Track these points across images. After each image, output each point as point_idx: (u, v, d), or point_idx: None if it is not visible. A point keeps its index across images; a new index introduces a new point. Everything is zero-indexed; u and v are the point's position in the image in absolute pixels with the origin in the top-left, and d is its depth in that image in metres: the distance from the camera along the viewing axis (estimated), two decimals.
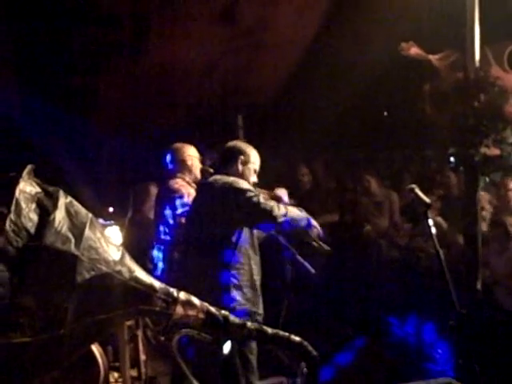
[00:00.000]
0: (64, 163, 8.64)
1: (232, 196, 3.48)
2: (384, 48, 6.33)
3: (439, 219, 6.26)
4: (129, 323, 4.18)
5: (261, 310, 3.59)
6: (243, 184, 3.56)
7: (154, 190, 5.85)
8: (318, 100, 9.19)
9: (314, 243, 4.05)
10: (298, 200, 7.40)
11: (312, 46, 8.79)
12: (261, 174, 9.32)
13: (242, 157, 3.81)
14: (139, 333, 4.28)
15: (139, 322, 4.23)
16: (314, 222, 3.78)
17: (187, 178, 4.67)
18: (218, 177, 3.70)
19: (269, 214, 3.39)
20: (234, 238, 3.54)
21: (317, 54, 8.77)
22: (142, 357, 4.35)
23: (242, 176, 3.74)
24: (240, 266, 3.54)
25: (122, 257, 1.81)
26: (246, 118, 9.61)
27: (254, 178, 3.88)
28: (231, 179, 3.59)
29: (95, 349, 4.22)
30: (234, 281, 3.50)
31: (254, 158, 3.88)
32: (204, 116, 9.02)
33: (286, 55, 8.92)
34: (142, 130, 9.09)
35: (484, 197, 6.02)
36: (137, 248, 4.72)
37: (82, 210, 1.79)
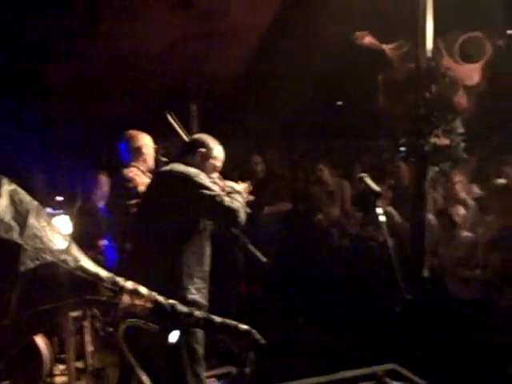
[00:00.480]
0: (14, 151, 8.44)
1: (192, 189, 3.40)
2: (339, 37, 6.35)
3: (390, 209, 6.36)
4: (76, 314, 4.10)
5: (206, 302, 3.56)
6: (204, 179, 3.48)
7: (103, 179, 5.74)
8: (273, 89, 9.20)
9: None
10: (252, 188, 7.44)
11: (268, 34, 8.77)
12: None
13: (204, 150, 3.72)
14: (86, 323, 4.20)
15: (86, 313, 4.15)
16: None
17: (142, 167, 4.59)
18: (175, 165, 3.59)
19: (233, 216, 3.38)
20: (187, 228, 3.48)
21: (273, 43, 8.76)
22: (89, 348, 4.27)
23: (201, 169, 3.63)
24: (192, 255, 3.50)
25: (68, 246, 1.77)
26: (201, 106, 9.53)
27: (214, 175, 3.81)
28: (192, 171, 3.50)
29: (40, 340, 4.12)
30: (186, 270, 3.46)
31: (217, 154, 3.80)
32: (159, 103, 8.91)
33: (243, 43, 8.87)
34: (95, 116, 8.94)
35: (433, 187, 6.13)
36: (86, 238, 4.63)
37: (27, 198, 1.74)
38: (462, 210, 5.91)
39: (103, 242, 4.88)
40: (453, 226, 5.51)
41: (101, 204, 5.55)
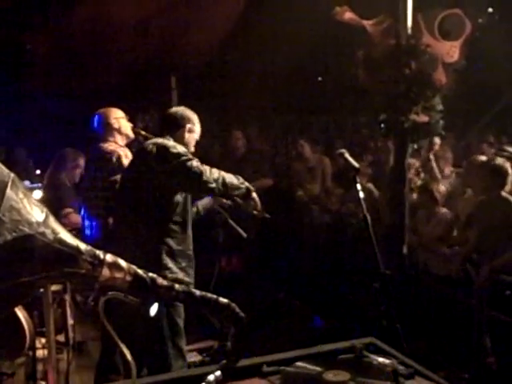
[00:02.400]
0: None
1: (168, 159, 3.41)
2: (319, 13, 6.32)
3: (370, 185, 6.39)
4: (56, 287, 4.09)
5: (191, 280, 3.57)
6: (180, 148, 3.48)
7: (71, 155, 5.62)
8: (253, 64, 9.15)
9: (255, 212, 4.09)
10: (232, 164, 7.45)
11: (248, 7, 8.70)
12: None
13: (189, 125, 3.72)
14: (67, 297, 4.20)
15: (67, 286, 4.14)
16: (253, 195, 3.76)
17: (120, 142, 4.57)
18: (159, 140, 3.58)
19: (198, 177, 3.35)
20: (170, 205, 3.46)
21: (252, 17, 8.70)
22: (70, 321, 4.28)
23: (185, 144, 3.65)
24: (175, 233, 3.50)
25: (46, 218, 1.75)
26: (180, 79, 9.46)
27: (192, 148, 3.81)
28: (170, 143, 3.50)
29: (20, 314, 4.12)
30: (168, 248, 3.46)
31: (198, 128, 3.82)
32: (138, 75, 8.83)
33: (222, 15, 8.79)
34: (73, 88, 8.83)
35: (413, 164, 6.18)
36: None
37: (4, 170, 1.72)
38: (442, 187, 5.96)
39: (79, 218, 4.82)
40: (434, 202, 5.55)
41: (67, 180, 5.44)
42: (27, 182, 5.03)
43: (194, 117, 3.79)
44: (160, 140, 3.57)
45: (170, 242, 3.46)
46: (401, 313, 2.92)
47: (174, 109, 3.85)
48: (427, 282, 5.31)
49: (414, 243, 5.57)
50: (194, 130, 3.76)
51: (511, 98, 9.41)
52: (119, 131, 4.56)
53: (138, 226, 3.43)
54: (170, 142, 3.52)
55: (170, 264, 3.44)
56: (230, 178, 3.52)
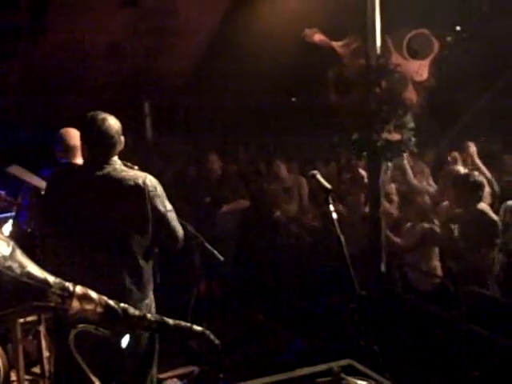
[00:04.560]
0: None
1: (155, 203, 3.29)
2: (288, 35, 6.38)
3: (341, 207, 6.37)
4: (31, 318, 4.02)
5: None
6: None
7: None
8: (226, 85, 9.19)
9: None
10: (209, 186, 7.44)
11: (218, 32, 8.76)
12: (171, 160, 9.20)
13: (122, 137, 3.39)
14: (42, 328, 4.12)
15: (41, 318, 4.07)
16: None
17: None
18: (122, 167, 3.32)
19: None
20: (145, 237, 3.32)
21: (223, 41, 8.76)
22: (46, 353, 4.20)
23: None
24: (149, 263, 3.43)
25: (13, 252, 1.73)
26: (153, 104, 9.46)
27: None
28: (155, 180, 3.34)
29: None
30: (145, 278, 3.39)
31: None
32: (109, 101, 8.81)
33: (192, 41, 8.85)
34: (45, 115, 8.78)
35: (390, 180, 6.21)
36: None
37: None
38: (426, 198, 5.97)
39: None
40: (418, 214, 5.55)
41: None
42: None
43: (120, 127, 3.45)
44: (121, 168, 3.34)
45: (146, 272, 3.41)
46: (380, 332, 2.91)
47: (107, 123, 3.31)
48: (407, 299, 5.32)
49: (395, 259, 5.59)
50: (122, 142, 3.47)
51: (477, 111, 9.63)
52: (79, 155, 4.47)
53: (111, 255, 3.30)
54: (150, 178, 3.37)
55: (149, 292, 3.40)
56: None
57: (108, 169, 3.28)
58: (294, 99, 10.67)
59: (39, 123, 8.83)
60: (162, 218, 3.32)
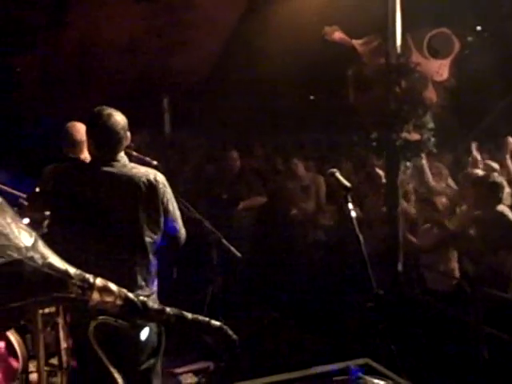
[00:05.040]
0: None
1: (165, 200, 3.30)
2: (308, 32, 6.37)
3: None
4: (49, 310, 4.06)
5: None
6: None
7: None
8: (243, 82, 9.18)
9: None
10: (226, 183, 7.45)
11: (237, 26, 8.75)
12: (187, 155, 9.22)
13: (128, 133, 3.37)
14: (60, 320, 4.16)
15: (59, 309, 4.11)
16: None
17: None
18: (131, 164, 3.34)
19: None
20: (157, 234, 3.33)
21: (242, 35, 8.75)
22: (64, 345, 4.24)
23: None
24: (156, 259, 3.45)
25: (35, 243, 1.74)
26: (171, 99, 9.48)
27: None
28: (163, 177, 3.32)
29: (13, 337, 4.09)
30: (153, 274, 3.41)
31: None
32: (129, 97, 8.86)
33: (211, 35, 8.85)
34: (64, 109, 8.83)
35: (408, 179, 6.17)
36: None
37: None
38: (444, 200, 5.93)
39: None
40: (437, 215, 5.51)
41: None
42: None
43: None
44: (133, 165, 3.36)
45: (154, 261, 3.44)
46: (397, 331, 2.90)
47: (115, 119, 3.28)
48: (423, 299, 5.29)
49: (411, 259, 5.56)
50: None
51: (498, 113, 9.52)
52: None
53: (126, 245, 3.29)
54: (159, 175, 3.36)
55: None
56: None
57: (117, 165, 3.28)
58: (312, 97, 10.65)
59: (58, 117, 8.90)
60: (169, 215, 3.34)
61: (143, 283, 3.27)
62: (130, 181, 3.25)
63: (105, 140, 3.28)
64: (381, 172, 6.18)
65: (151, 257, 3.33)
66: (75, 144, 4.29)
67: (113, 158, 3.29)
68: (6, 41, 7.93)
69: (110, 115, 3.27)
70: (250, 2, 8.38)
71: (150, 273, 3.34)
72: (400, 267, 5.18)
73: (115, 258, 3.21)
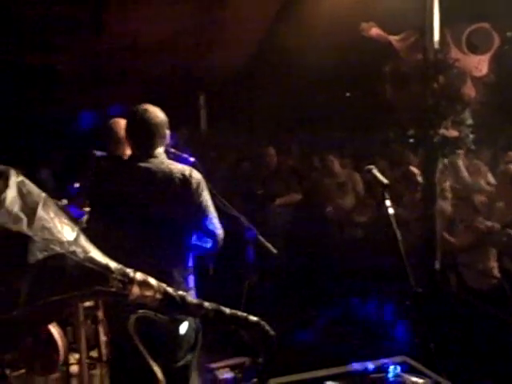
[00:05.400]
0: (27, 142, 8.50)
1: (201, 202, 3.30)
2: (345, 28, 6.34)
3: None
4: (89, 304, 4.14)
5: None
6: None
7: None
8: (279, 79, 9.19)
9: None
10: (262, 179, 7.47)
11: (273, 24, 8.76)
12: (223, 152, 9.28)
13: (168, 131, 3.42)
14: (99, 313, 4.23)
15: (99, 303, 4.18)
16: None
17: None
18: (168, 160, 3.35)
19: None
20: (197, 225, 3.36)
21: (277, 33, 8.75)
22: (103, 338, 4.31)
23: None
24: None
25: (77, 237, 1.77)
26: (207, 96, 9.53)
27: None
28: (199, 174, 3.32)
29: (54, 330, 4.18)
30: (189, 271, 3.43)
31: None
32: (165, 94, 8.94)
33: (246, 33, 8.88)
34: (104, 106, 8.97)
35: (445, 177, 6.10)
36: None
37: (35, 190, 1.74)
38: (482, 197, 5.85)
39: None
40: (475, 212, 5.44)
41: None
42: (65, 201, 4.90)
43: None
44: (173, 164, 3.35)
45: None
46: (435, 330, 2.88)
47: (154, 114, 3.33)
48: (462, 297, 5.23)
49: (449, 258, 5.49)
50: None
51: None
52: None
53: (165, 241, 3.31)
54: (198, 176, 3.35)
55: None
56: None
57: (154, 161, 3.30)
58: (348, 94, 10.58)
59: (97, 115, 9.04)
60: (205, 213, 3.33)
61: (181, 279, 3.31)
62: (166, 177, 3.27)
63: (142, 136, 3.32)
64: (416, 170, 6.12)
65: (187, 254, 3.37)
66: (120, 141, 4.32)
67: (150, 155, 3.32)
68: (48, 39, 8.09)
69: (147, 111, 3.31)
70: (284, 1, 8.38)
71: (187, 269, 3.38)
72: (437, 265, 5.12)
73: (152, 254, 3.22)
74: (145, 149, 3.33)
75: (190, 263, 3.42)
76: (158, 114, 3.35)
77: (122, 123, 4.35)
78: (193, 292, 3.40)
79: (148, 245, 3.26)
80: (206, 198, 3.35)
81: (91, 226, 3.50)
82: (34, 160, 8.22)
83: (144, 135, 3.32)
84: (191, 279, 3.43)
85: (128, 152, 4.33)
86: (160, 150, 3.38)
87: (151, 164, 3.30)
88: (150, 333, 2.24)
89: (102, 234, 3.29)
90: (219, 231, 3.42)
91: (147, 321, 1.95)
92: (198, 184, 3.31)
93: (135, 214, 3.28)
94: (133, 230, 3.26)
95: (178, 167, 3.34)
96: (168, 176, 3.28)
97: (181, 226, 3.31)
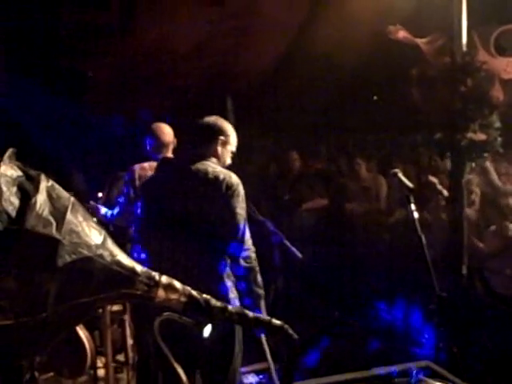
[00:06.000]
0: (54, 147, 8.62)
1: (230, 203, 3.27)
2: (372, 31, 6.33)
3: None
4: (117, 308, 4.19)
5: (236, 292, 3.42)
6: (242, 193, 3.34)
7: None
8: (306, 83, 9.18)
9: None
10: (288, 184, 7.48)
11: (300, 30, 8.78)
12: (251, 156, 9.33)
13: (223, 137, 3.48)
14: (126, 317, 4.28)
15: (126, 307, 4.23)
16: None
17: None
18: (207, 163, 3.37)
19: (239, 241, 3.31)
20: (237, 228, 3.32)
21: (305, 38, 8.76)
22: (130, 341, 4.36)
23: (220, 159, 3.49)
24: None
25: (104, 240, 1.81)
26: (234, 99, 9.56)
27: (229, 161, 3.63)
28: (234, 180, 3.32)
29: (82, 333, 4.24)
30: (228, 270, 3.37)
31: (233, 140, 3.59)
32: (192, 98, 9.01)
33: (274, 39, 8.91)
34: (131, 112, 9.08)
35: (473, 181, 6.04)
36: None
37: (64, 194, 1.79)
38: (510, 201, 5.78)
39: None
40: (502, 217, 5.38)
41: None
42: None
43: (229, 128, 3.56)
44: (211, 164, 3.38)
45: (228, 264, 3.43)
46: (461, 335, 2.86)
47: (205, 119, 3.52)
48: (488, 303, 5.17)
49: (476, 262, 5.43)
50: (229, 142, 3.54)
51: None
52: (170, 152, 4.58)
53: (198, 247, 3.30)
54: (233, 177, 3.34)
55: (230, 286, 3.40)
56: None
57: (198, 164, 3.35)
58: (375, 97, 10.53)
59: (128, 119, 9.14)
60: (238, 219, 3.30)
61: (213, 286, 3.26)
62: (206, 180, 3.29)
63: (197, 140, 3.46)
64: (434, 179, 6.07)
65: (222, 258, 3.33)
66: (160, 144, 4.43)
67: (204, 157, 3.39)
68: (80, 46, 8.22)
69: (208, 119, 3.48)
70: (312, 5, 8.40)
71: (223, 277, 3.32)
72: (465, 270, 5.08)
73: (191, 259, 3.25)
74: (197, 153, 3.41)
75: (225, 268, 3.38)
76: (218, 121, 3.50)
77: (163, 128, 4.48)
78: (235, 301, 3.32)
79: (185, 249, 3.28)
80: (241, 205, 3.33)
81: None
82: (66, 164, 8.36)
83: (197, 138, 3.46)
84: (227, 284, 3.37)
85: (169, 155, 4.44)
86: (209, 155, 3.43)
87: (201, 168, 3.34)
88: (174, 335, 2.27)
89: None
90: (249, 243, 3.38)
91: (177, 326, 1.97)
92: (238, 188, 3.31)
93: (172, 217, 3.31)
94: (169, 233, 3.29)
95: (223, 172, 3.37)
96: (207, 179, 3.30)
97: (216, 232, 3.29)
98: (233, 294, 3.34)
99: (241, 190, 3.34)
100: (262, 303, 3.39)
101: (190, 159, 3.40)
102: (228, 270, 3.37)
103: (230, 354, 3.37)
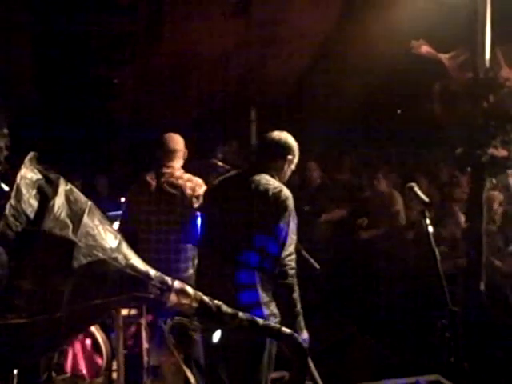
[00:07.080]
0: (80, 153, 8.76)
1: (274, 217, 3.20)
2: (395, 46, 6.34)
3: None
4: (132, 311, 4.22)
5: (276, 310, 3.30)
6: (290, 207, 3.26)
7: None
8: (330, 95, 9.21)
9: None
10: (309, 194, 7.48)
11: (325, 41, 8.81)
12: None
13: (291, 156, 3.44)
14: (142, 321, 4.32)
15: (143, 310, 4.26)
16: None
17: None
18: (264, 175, 3.32)
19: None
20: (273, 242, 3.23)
21: (330, 50, 8.79)
22: (145, 345, 4.39)
23: (284, 177, 3.47)
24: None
25: (119, 244, 1.86)
26: (258, 112, 9.62)
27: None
28: (284, 194, 3.26)
29: (99, 335, 4.29)
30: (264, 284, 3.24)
31: (296, 159, 3.54)
32: (217, 108, 9.08)
33: (299, 49, 8.96)
34: (156, 120, 9.19)
35: (494, 197, 5.99)
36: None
37: (82, 198, 1.84)
38: None
39: None
40: None
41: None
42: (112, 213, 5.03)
43: (296, 147, 3.51)
44: (270, 179, 3.32)
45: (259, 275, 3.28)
46: (471, 351, 2.85)
47: (277, 135, 3.48)
48: (506, 320, 5.12)
49: (494, 280, 5.38)
50: (293, 162, 3.52)
51: None
52: (181, 160, 4.64)
53: (227, 259, 3.24)
54: (285, 192, 3.28)
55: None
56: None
57: (258, 177, 3.32)
58: (399, 111, 10.52)
59: (153, 127, 9.25)
60: (276, 234, 3.22)
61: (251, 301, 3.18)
62: (257, 192, 3.26)
63: (260, 154, 3.51)
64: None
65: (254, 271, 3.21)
66: (172, 154, 4.49)
67: (259, 171, 3.36)
68: (106, 53, 8.35)
69: (274, 134, 3.48)
70: (338, 17, 8.44)
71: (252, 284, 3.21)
72: (482, 286, 5.03)
73: (227, 270, 3.20)
74: (258, 167, 3.40)
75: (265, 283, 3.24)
76: (287, 138, 3.50)
77: (175, 137, 4.55)
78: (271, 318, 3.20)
79: (226, 261, 3.22)
80: (286, 219, 3.24)
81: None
82: (91, 169, 8.49)
83: (260, 152, 3.51)
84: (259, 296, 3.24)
85: (179, 164, 4.49)
86: (271, 171, 3.41)
87: (256, 177, 3.32)
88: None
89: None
90: (292, 259, 3.26)
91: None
92: (288, 202, 3.27)
93: (219, 227, 3.32)
94: (226, 252, 3.25)
95: (275, 184, 3.33)
96: (260, 190, 3.27)
97: (259, 245, 3.21)
98: (268, 310, 3.22)
99: (290, 204, 3.27)
100: (298, 321, 3.33)
101: (249, 171, 3.41)
102: (262, 283, 3.23)
103: (257, 366, 3.28)
